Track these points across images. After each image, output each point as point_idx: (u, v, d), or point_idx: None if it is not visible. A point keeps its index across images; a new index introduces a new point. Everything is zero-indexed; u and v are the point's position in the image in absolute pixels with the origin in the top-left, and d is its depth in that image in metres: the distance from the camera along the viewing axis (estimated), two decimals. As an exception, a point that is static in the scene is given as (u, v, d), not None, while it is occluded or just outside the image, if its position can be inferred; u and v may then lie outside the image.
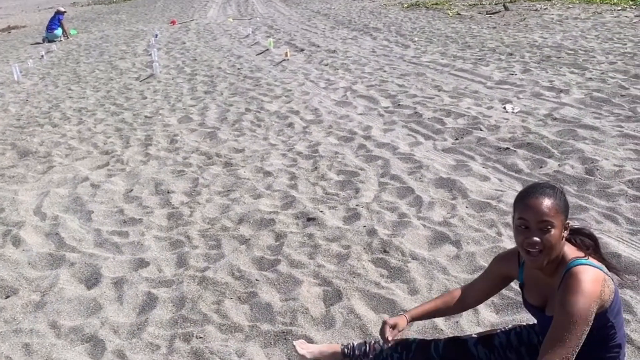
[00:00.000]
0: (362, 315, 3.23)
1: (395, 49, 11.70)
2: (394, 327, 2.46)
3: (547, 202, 2.03)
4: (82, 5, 35.96)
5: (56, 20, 18.51)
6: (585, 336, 1.95)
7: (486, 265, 3.56)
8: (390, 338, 2.42)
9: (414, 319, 2.57)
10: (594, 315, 1.96)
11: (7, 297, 3.76)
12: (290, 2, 25.31)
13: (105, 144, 7.02)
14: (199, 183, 5.44)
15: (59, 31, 18.38)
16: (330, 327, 3.18)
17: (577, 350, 1.94)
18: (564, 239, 2.08)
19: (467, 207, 4.45)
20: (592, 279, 1.99)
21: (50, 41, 18.12)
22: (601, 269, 2.06)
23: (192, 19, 21.39)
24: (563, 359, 1.92)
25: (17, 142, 7.34)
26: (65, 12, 19.28)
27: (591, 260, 2.08)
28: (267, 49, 12.94)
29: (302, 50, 12.61)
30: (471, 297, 2.56)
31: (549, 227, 2.02)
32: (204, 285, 3.67)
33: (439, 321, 3.13)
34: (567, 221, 2.09)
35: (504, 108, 6.91)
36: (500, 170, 5.12)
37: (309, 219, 4.46)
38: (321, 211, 4.58)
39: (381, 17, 16.73)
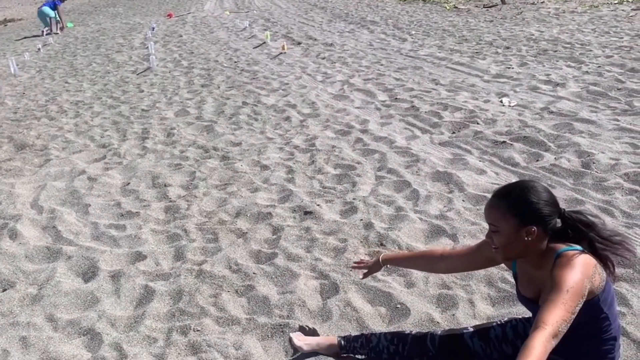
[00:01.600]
0: (358, 308, 3.25)
1: (392, 42, 11.68)
2: (364, 263, 2.84)
3: (494, 205, 2.12)
4: (79, -2, 35.78)
5: (52, 3, 18.24)
6: (579, 308, 1.94)
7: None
8: (357, 269, 2.89)
9: (387, 261, 2.80)
10: (587, 291, 1.97)
11: (4, 290, 3.76)
12: (288, -5, 25.25)
13: (102, 137, 7.01)
14: (196, 176, 5.44)
15: (51, 12, 18.11)
16: (327, 320, 3.19)
17: (570, 323, 1.91)
18: (527, 242, 2.09)
19: (463, 200, 4.46)
20: (583, 260, 2.01)
21: (43, 21, 17.94)
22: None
23: (189, 12, 21.32)
24: (559, 321, 1.87)
25: (14, 135, 7.33)
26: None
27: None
28: (264, 42, 12.92)
29: (299, 43, 12.59)
30: (449, 264, 2.62)
31: (496, 229, 2.11)
32: (201, 278, 3.68)
33: (435, 314, 3.14)
34: (530, 227, 2.07)
35: (501, 102, 6.92)
36: (496, 163, 5.13)
37: (306, 213, 4.47)
38: (318, 205, 4.59)
39: (378, 10, 16.70)
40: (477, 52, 9.88)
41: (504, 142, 5.57)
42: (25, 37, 18.15)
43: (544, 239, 2.11)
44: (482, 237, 3.82)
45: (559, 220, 2.11)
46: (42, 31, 18.32)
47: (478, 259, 2.51)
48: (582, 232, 2.10)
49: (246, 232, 4.25)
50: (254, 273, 3.70)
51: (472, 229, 3.99)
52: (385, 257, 2.80)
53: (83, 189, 5.35)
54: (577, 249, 2.07)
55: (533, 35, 10.88)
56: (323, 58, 10.76)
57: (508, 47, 10.02)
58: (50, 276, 3.84)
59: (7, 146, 6.94)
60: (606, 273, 2.11)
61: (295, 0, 22.37)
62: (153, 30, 16.11)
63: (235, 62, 11.12)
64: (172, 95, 8.83)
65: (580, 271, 1.97)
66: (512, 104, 6.77)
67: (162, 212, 4.76)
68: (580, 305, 1.94)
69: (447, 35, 11.88)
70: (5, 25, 22.98)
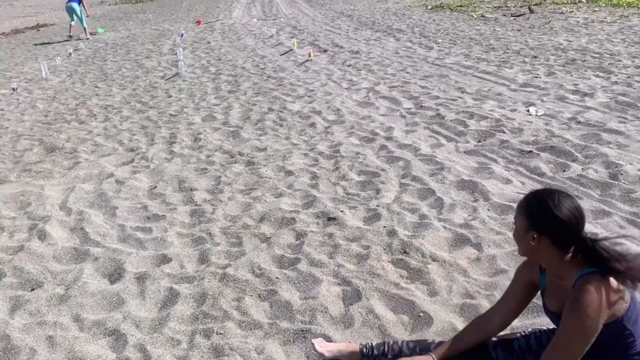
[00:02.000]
0: (381, 316, 3.24)
1: (418, 51, 11.67)
2: None
3: (520, 202, 2.20)
4: (110, 4, 36.38)
5: None
6: (589, 346, 1.98)
7: (507, 267, 3.56)
8: None
9: (442, 357, 2.53)
10: (600, 326, 1.97)
11: (33, 290, 3.84)
12: (315, 3, 25.35)
13: (131, 141, 7.12)
14: (222, 181, 5.49)
15: (77, 7, 18.45)
16: (349, 327, 3.20)
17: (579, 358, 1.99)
18: (532, 246, 2.12)
19: (488, 209, 4.43)
20: (601, 290, 1.98)
21: (71, 16, 18.30)
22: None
23: (217, 19, 21.53)
24: None
25: (45, 138, 7.47)
26: None
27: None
28: (291, 50, 12.99)
29: (325, 51, 12.64)
30: (498, 317, 2.48)
31: (514, 224, 2.21)
32: (224, 282, 3.71)
33: (458, 322, 3.13)
34: (534, 233, 2.09)
35: (528, 111, 6.86)
36: (522, 173, 5.09)
37: (329, 219, 4.48)
38: (342, 211, 4.60)
39: (405, 19, 16.69)
40: (504, 61, 9.82)
41: (531, 151, 5.52)
42: (57, 42, 18.50)
43: (555, 251, 2.09)
44: (507, 247, 3.81)
45: (579, 242, 2.09)
46: (69, 27, 18.63)
47: (523, 287, 2.44)
48: (602, 261, 2.05)
49: (270, 237, 4.28)
50: (276, 278, 3.72)
51: (496, 238, 3.96)
52: (439, 355, 2.53)
53: (111, 192, 5.43)
54: (599, 272, 2.04)
55: (561, 44, 10.77)
56: (349, 65, 10.79)
57: (536, 57, 9.94)
58: (77, 277, 3.91)
59: (37, 149, 7.08)
60: (635, 287, 2.08)
61: (322, 9, 22.46)
62: (182, 36, 16.30)
63: (262, 68, 11.20)
64: (200, 101, 8.92)
65: (595, 308, 1.96)
66: (539, 114, 6.71)
67: (188, 216, 4.81)
68: (593, 340, 1.97)
69: (474, 43, 11.82)
70: (38, 30, 23.45)
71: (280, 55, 12.61)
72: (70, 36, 18.58)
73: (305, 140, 6.58)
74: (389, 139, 6.30)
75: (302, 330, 3.18)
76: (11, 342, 3.27)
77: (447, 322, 3.14)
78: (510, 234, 3.98)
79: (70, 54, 15.00)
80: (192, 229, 4.57)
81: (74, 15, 18.47)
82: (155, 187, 5.51)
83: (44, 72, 12.10)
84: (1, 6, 44.41)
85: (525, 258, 2.39)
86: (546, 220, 2.06)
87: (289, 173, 5.56)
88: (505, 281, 3.40)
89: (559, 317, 2.18)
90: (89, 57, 14.57)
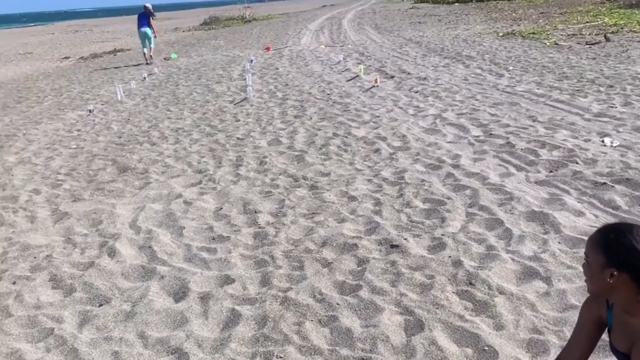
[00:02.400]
0: (444, 348, 3.16)
1: (488, 78, 11.50)
2: None
3: (592, 237, 2.05)
4: (184, 31, 37.77)
5: (145, 19, 19.34)
6: None
7: (577, 303, 3.41)
8: None
9: None
10: None
11: (101, 305, 3.95)
12: (383, 30, 25.48)
13: (199, 163, 7.29)
14: (285, 204, 5.53)
15: (149, 30, 19.31)
16: (411, 357, 3.12)
17: None
18: (610, 284, 1.96)
19: (559, 242, 4.27)
20: None
21: (143, 42, 19.26)
22: None
23: (286, 45, 21.95)
24: None
25: (118, 159, 7.76)
26: (153, 14, 19.78)
27: None
28: (357, 76, 13.06)
29: (392, 77, 12.64)
30: (576, 358, 2.30)
31: (586, 260, 2.05)
32: (285, 305, 3.71)
33: (525, 358, 3.00)
34: (613, 269, 1.95)
35: (602, 141, 6.62)
36: (596, 205, 4.89)
37: (392, 246, 4.43)
38: (405, 239, 4.53)
39: (475, 46, 16.52)
40: (578, 90, 9.54)
41: (605, 183, 5.31)
42: (132, 66, 19.31)
43: (633, 289, 1.98)
44: (578, 282, 3.66)
45: None
46: (144, 56, 19.49)
47: (590, 325, 2.28)
48: None
49: (331, 262, 4.26)
50: (337, 304, 3.69)
51: (567, 272, 3.80)
52: None
53: (179, 212, 5.56)
54: None
55: (639, 73, 10.38)
56: (416, 92, 10.73)
57: (611, 86, 9.60)
58: (144, 294, 4.00)
59: (110, 168, 7.36)
60: None
61: (391, 35, 22.54)
62: (251, 62, 16.68)
63: (328, 94, 11.29)
64: (266, 125, 9.07)
65: None
66: (614, 145, 6.46)
67: (251, 238, 4.86)
68: None
69: (547, 71, 11.55)
70: (115, 55, 24.59)
71: (347, 81, 12.70)
72: (147, 63, 19.36)
73: (369, 166, 6.56)
74: (456, 166, 6.20)
75: (363, 359, 3.13)
76: (78, 355, 3.37)
77: (512, 357, 3.03)
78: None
79: (144, 78, 15.61)
80: (255, 251, 4.61)
81: (146, 40, 19.32)
82: (221, 208, 5.61)
83: (119, 95, 12.63)
84: (81, 32, 46.92)
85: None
86: (628, 256, 1.94)
87: (352, 198, 5.54)
88: (575, 317, 3.24)
89: (628, 357, 2.06)
90: (163, 81, 15.11)
